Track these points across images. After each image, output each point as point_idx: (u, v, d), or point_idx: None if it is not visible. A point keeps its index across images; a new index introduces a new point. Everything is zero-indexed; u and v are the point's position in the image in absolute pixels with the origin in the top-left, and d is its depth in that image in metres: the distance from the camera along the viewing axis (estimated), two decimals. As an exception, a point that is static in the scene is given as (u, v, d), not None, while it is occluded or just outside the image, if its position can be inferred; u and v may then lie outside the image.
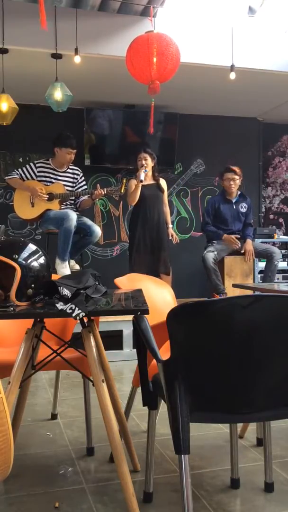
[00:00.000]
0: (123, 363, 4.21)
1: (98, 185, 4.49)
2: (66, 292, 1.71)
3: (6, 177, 4.61)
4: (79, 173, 4.63)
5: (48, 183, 4.48)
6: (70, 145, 4.44)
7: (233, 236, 4.99)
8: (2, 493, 2.02)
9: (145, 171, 4.80)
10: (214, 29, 4.58)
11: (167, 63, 3.59)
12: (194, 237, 6.45)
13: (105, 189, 4.41)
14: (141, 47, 3.61)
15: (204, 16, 4.53)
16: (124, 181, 4.57)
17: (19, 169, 4.53)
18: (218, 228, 5.08)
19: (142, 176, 4.76)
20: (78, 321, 1.81)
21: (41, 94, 4.41)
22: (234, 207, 5.15)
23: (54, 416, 2.93)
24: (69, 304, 1.62)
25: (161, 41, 3.58)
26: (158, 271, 4.91)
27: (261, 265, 5.56)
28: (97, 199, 4.58)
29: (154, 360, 1.65)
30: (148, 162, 4.85)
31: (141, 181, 4.77)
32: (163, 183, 5.06)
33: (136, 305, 1.82)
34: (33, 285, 1.76)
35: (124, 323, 4.43)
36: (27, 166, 4.54)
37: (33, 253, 1.82)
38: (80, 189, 4.57)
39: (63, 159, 4.49)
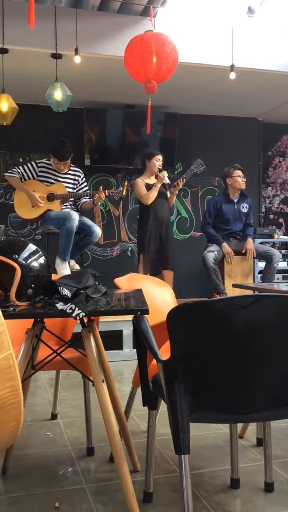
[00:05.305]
0: (123, 363, 4.21)
1: (101, 187, 4.49)
2: (66, 292, 1.71)
3: (6, 174, 4.54)
4: (80, 174, 4.63)
5: (49, 184, 4.48)
6: (57, 157, 4.42)
7: (232, 255, 5.00)
8: (2, 493, 2.02)
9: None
10: (214, 29, 4.58)
11: (162, 62, 3.58)
12: (194, 237, 6.45)
13: (106, 191, 4.41)
14: (136, 46, 3.61)
15: (204, 16, 4.53)
16: (126, 183, 4.57)
17: (21, 167, 4.50)
18: (220, 228, 5.08)
19: (168, 180, 4.92)
20: (78, 321, 1.81)
21: (41, 94, 4.41)
22: (236, 207, 5.15)
23: (54, 416, 2.93)
24: (69, 304, 1.62)
25: (156, 40, 3.58)
26: (166, 267, 5.00)
27: (261, 265, 5.56)
28: (99, 203, 4.59)
29: (154, 360, 1.65)
30: (161, 164, 4.99)
31: (169, 184, 4.97)
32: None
33: (136, 305, 1.82)
34: (33, 285, 1.76)
35: (124, 323, 4.43)
36: (29, 164, 4.52)
37: (33, 253, 1.82)
38: (81, 191, 4.56)
39: (56, 165, 4.50)
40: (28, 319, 1.95)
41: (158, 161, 4.93)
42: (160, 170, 4.91)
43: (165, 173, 4.89)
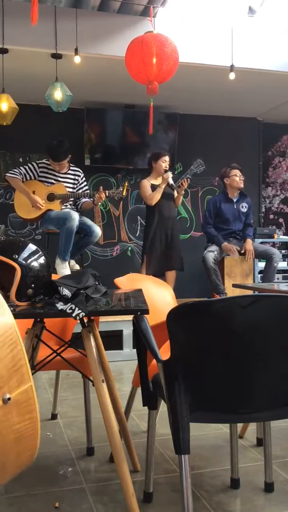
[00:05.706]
0: (123, 363, 4.21)
1: (101, 187, 4.48)
2: (66, 292, 1.71)
3: (8, 174, 4.49)
4: (80, 174, 4.62)
5: (49, 184, 4.48)
6: (51, 157, 4.42)
7: (234, 247, 4.98)
8: (2, 493, 2.02)
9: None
10: (214, 29, 4.58)
11: (162, 64, 3.58)
12: (194, 237, 6.45)
13: (106, 191, 4.40)
14: (136, 48, 3.61)
15: (204, 16, 4.53)
16: (126, 184, 4.57)
17: (22, 168, 4.49)
18: (219, 228, 5.08)
19: (171, 181, 4.93)
20: (78, 321, 1.82)
21: (41, 94, 4.41)
22: (235, 206, 5.15)
23: (54, 416, 2.93)
24: (69, 304, 1.62)
25: (156, 41, 3.58)
26: (170, 268, 5.03)
27: (261, 265, 5.56)
28: (99, 203, 4.58)
29: (154, 360, 1.65)
30: (168, 165, 5.01)
31: (172, 185, 4.96)
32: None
33: (136, 305, 1.82)
34: (33, 285, 1.76)
35: (124, 323, 4.43)
36: (30, 165, 4.52)
37: (33, 253, 1.82)
38: (81, 191, 4.56)
39: (51, 165, 4.50)
40: (28, 319, 1.95)
41: (164, 162, 4.96)
42: (165, 171, 4.93)
43: (169, 174, 4.91)
